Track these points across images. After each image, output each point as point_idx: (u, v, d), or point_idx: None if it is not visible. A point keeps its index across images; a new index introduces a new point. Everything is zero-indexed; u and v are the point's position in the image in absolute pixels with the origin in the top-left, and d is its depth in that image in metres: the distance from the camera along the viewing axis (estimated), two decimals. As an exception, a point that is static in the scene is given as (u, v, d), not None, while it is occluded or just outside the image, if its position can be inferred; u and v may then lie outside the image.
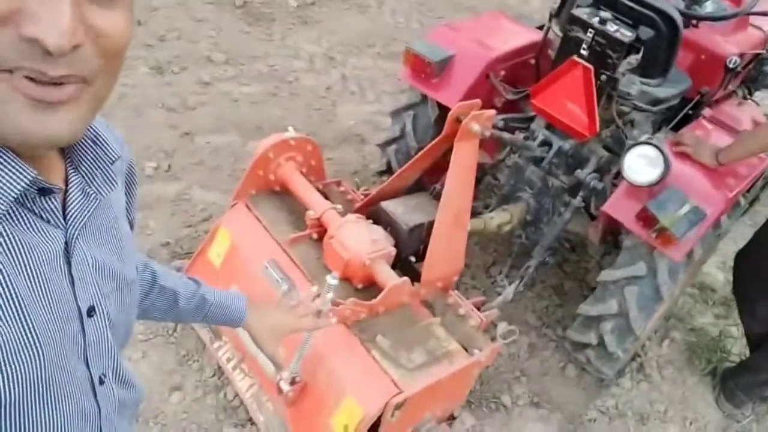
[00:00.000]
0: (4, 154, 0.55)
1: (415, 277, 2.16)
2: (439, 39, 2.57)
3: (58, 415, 0.65)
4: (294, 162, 2.33)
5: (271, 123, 3.63)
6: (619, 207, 2.22)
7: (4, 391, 0.57)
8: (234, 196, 2.33)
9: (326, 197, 2.33)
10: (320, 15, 4.95)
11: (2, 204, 0.56)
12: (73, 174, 0.67)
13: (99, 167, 0.68)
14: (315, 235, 2.23)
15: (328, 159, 3.08)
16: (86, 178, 0.68)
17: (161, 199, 3.03)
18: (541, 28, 2.62)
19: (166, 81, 3.85)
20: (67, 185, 0.66)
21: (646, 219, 2.10)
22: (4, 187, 0.56)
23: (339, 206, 2.25)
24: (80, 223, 0.66)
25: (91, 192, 0.68)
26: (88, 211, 0.67)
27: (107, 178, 0.69)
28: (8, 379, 0.57)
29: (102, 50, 0.54)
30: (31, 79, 0.50)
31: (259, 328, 1.25)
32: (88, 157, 0.68)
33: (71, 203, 0.66)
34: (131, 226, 0.88)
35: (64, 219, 0.65)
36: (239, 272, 2.23)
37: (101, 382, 0.73)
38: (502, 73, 2.55)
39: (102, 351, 0.72)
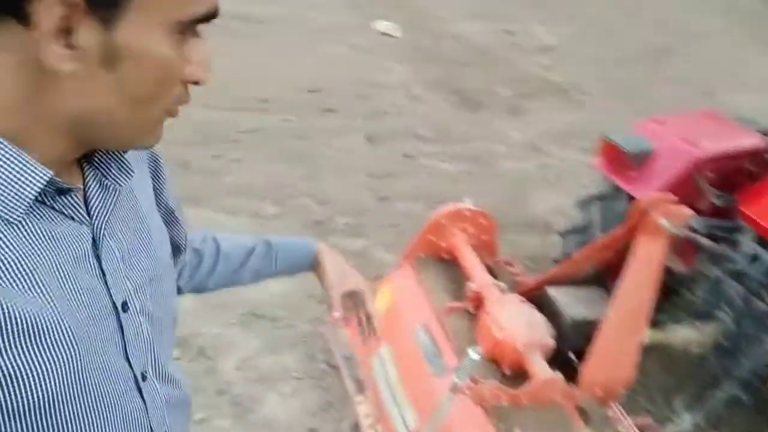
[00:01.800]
0: (20, 157, 0.57)
1: (573, 377, 1.97)
2: (641, 131, 2.43)
3: (101, 414, 0.65)
4: (465, 233, 2.33)
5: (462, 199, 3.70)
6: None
7: (41, 387, 0.57)
8: (403, 256, 2.39)
9: (493, 274, 2.28)
10: (531, 106, 5.01)
11: (22, 205, 0.57)
12: (88, 168, 0.67)
13: (112, 157, 0.68)
14: (471, 309, 2.17)
15: (508, 240, 3.02)
16: (101, 169, 0.68)
17: (345, 252, 3.20)
18: (766, 133, 2.34)
19: (375, 150, 4.17)
20: (84, 180, 0.67)
21: None
22: (22, 189, 0.57)
23: (503, 284, 2.17)
24: (105, 216, 0.67)
25: (109, 183, 0.68)
26: (111, 203, 0.68)
27: (122, 167, 0.69)
28: (45, 373, 0.57)
29: None
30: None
31: (331, 269, 1.14)
32: (100, 149, 0.67)
33: (92, 197, 0.66)
34: (173, 211, 0.88)
35: (89, 215, 0.65)
36: (393, 330, 2.25)
37: (144, 378, 0.72)
38: (710, 174, 2.31)
39: (141, 346, 0.71)
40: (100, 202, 0.67)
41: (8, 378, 0.55)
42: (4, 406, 0.55)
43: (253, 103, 4.41)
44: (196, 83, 0.62)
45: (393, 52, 5.75)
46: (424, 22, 6.56)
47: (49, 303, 0.58)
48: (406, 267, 2.36)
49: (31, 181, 0.57)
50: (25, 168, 0.57)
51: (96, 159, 0.67)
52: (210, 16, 0.60)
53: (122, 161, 0.68)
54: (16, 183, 0.56)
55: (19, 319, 0.55)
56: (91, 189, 0.66)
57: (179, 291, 1.00)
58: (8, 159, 0.56)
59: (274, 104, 4.44)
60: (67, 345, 0.59)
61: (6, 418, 0.56)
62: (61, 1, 0.50)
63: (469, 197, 3.66)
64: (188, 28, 0.59)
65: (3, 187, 0.56)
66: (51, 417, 0.59)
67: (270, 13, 5.80)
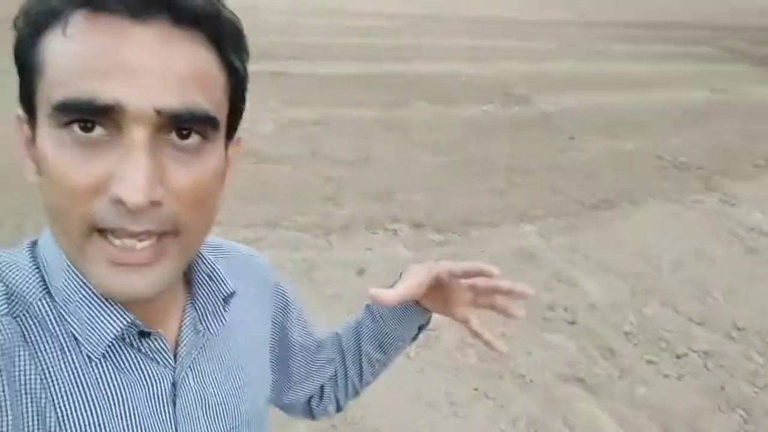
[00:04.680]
0: (107, 300, 0.59)
1: None
2: None
3: None
4: None
5: None
6: None
7: None
8: None
9: None
10: None
11: (102, 343, 0.59)
12: (190, 309, 0.68)
13: (211, 302, 0.68)
14: None
15: None
16: (199, 312, 0.68)
17: None
18: None
19: None
20: (182, 321, 0.68)
21: None
22: (100, 331, 0.59)
23: None
24: (188, 362, 0.66)
25: (201, 329, 0.68)
26: (196, 350, 0.68)
27: (217, 314, 0.68)
28: None
29: (185, 202, 0.56)
30: (115, 238, 0.54)
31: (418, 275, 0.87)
32: (204, 292, 0.69)
33: (183, 340, 0.66)
34: (306, 349, 0.90)
35: (175, 356, 0.65)
36: None
37: None
38: None
39: None
40: (188, 346, 0.67)
41: None
42: None
43: (726, 326, 3.82)
44: (122, 203, 0.51)
45: None
46: None
47: None
48: None
49: (110, 323, 0.59)
50: (108, 309, 0.59)
51: (198, 302, 0.69)
52: (72, 107, 0.50)
53: (218, 307, 0.69)
54: (99, 323, 0.59)
55: None
56: (185, 331, 0.67)
57: (338, 408, 1.00)
58: (96, 301, 0.60)
59: (746, 334, 3.74)
60: None
61: None
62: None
63: None
64: (68, 121, 0.51)
65: (88, 325, 0.59)
66: None
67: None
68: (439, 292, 0.87)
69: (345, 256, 3.91)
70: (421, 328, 0.97)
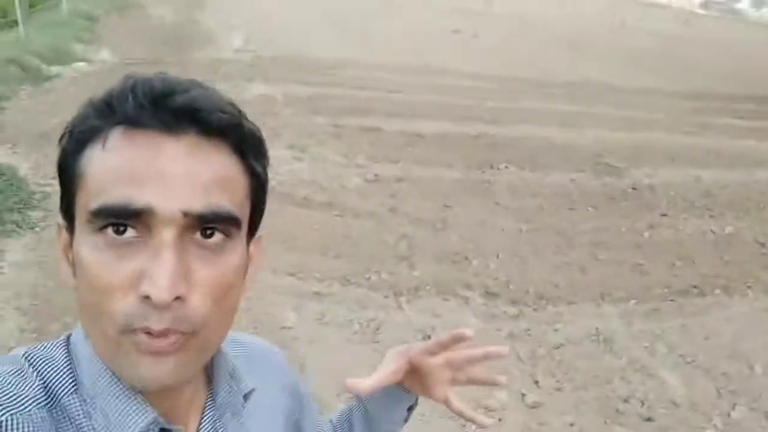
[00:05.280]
0: (130, 394, 0.61)
1: None
2: None
3: None
4: None
5: None
6: None
7: None
8: None
9: None
10: None
11: None
12: (210, 406, 0.70)
13: (230, 401, 0.70)
14: None
15: None
16: (219, 410, 0.70)
17: None
18: None
19: None
20: (202, 417, 0.69)
21: None
22: (124, 428, 0.61)
23: None
24: None
25: (220, 427, 0.69)
26: None
27: (236, 412, 0.70)
28: None
29: (207, 297, 0.58)
30: (146, 333, 0.56)
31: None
32: (224, 390, 0.70)
33: None
34: None
35: None
36: None
37: None
38: None
39: None
40: None
41: None
42: None
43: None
44: (147, 298, 0.55)
45: None
46: None
47: None
48: None
49: (136, 419, 0.62)
50: (133, 405, 0.62)
51: (219, 399, 0.71)
52: (108, 212, 0.55)
53: (237, 405, 0.72)
54: (124, 419, 0.62)
55: None
56: (203, 428, 0.69)
57: None
58: (122, 397, 0.62)
59: None
60: None
61: None
62: None
63: None
64: (103, 225, 0.55)
65: (112, 422, 0.62)
66: None
67: None
68: (416, 375, 0.89)
69: (412, 321, 3.88)
70: (410, 409, 0.98)
